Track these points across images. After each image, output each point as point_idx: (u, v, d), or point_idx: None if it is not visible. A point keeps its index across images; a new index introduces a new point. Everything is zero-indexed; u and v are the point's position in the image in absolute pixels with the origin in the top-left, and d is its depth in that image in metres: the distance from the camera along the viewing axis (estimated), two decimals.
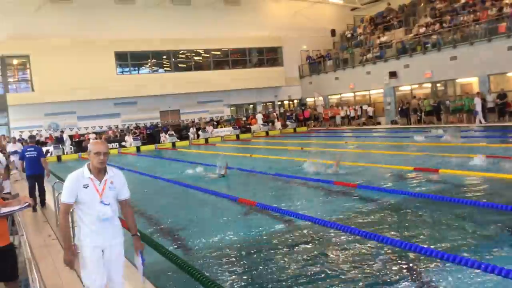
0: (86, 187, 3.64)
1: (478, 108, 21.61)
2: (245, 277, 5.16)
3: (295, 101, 37.14)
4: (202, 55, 33.41)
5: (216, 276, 5.18)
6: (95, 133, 28.94)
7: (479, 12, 23.74)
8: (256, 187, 10.52)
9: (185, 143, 28.79)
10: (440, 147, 15.20)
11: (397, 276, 4.75)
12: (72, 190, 3.63)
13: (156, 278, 4.97)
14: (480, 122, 21.64)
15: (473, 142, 15.79)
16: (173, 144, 28.15)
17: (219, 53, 33.75)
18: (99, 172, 3.71)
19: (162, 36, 30.49)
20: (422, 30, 26.94)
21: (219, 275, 5.25)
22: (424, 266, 4.96)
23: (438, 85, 26.17)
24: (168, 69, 32.29)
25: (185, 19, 31.71)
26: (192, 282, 4.78)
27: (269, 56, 35.28)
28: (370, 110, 29.67)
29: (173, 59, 32.00)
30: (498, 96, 21.62)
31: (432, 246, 5.31)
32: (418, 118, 25.81)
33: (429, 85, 26.46)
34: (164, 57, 32.03)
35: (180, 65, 32.57)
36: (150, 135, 29.76)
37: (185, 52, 32.54)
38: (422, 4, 30.66)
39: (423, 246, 5.24)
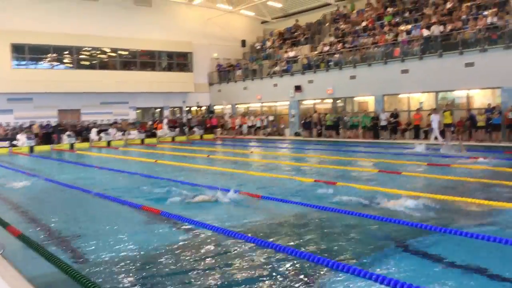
0: None
1: (435, 125, 20.75)
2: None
3: (203, 108, 37.11)
4: (108, 54, 32.10)
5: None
6: None
7: (378, 36, 25.65)
8: (162, 194, 10.29)
9: (85, 144, 27.39)
10: (339, 160, 16.09)
11: (296, 285, 4.92)
12: None
13: None
14: (436, 138, 20.64)
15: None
16: (71, 145, 26.63)
17: (126, 53, 32.67)
18: None
19: (65, 30, 28.89)
20: (326, 48, 28.44)
21: (117, 287, 5.05)
22: (318, 274, 5.19)
23: (338, 101, 27.77)
24: (69, 65, 30.52)
25: (91, 15, 30.31)
26: None
27: (179, 61, 34.89)
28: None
29: (76, 56, 30.35)
30: (391, 115, 23.44)
31: (325, 255, 5.59)
32: (319, 131, 27.11)
33: (331, 100, 27.97)
34: (66, 52, 30.22)
35: (83, 63, 30.97)
36: (46, 135, 27.81)
37: (90, 49, 31.04)
38: (327, 24, 32.39)
39: (318, 255, 5.49)
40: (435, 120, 20.78)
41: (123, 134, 29.42)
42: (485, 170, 12.55)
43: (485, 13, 21.27)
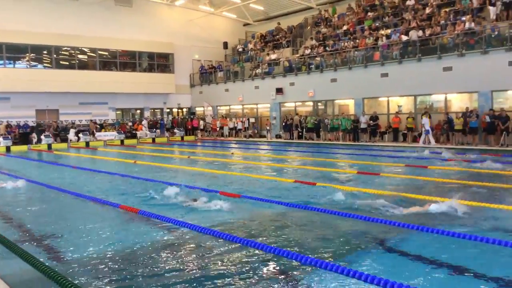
0: None
1: (427, 127, 20.80)
2: (121, 286, 4.96)
3: (185, 110, 36.95)
4: (88, 54, 31.72)
5: (91, 286, 4.90)
6: None
7: (358, 40, 25.92)
8: (139, 194, 10.19)
9: (63, 145, 26.98)
10: (320, 162, 16.18)
11: (275, 282, 4.92)
12: None
13: None
14: (429, 142, 20.71)
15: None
16: (49, 146, 26.19)
17: (106, 53, 32.33)
18: None
19: (44, 29, 28.45)
20: (307, 51, 28.62)
21: (94, 285, 4.97)
22: (299, 272, 5.21)
23: (319, 104, 27.94)
24: (48, 65, 30.06)
25: (71, 14, 29.92)
26: None
27: (160, 62, 34.68)
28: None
29: (55, 55, 29.91)
30: (371, 118, 23.67)
31: (305, 253, 5.60)
32: (300, 133, 27.23)
33: (311, 103, 28.12)
34: (45, 52, 29.79)
35: (62, 62, 30.53)
36: (23, 135, 27.35)
37: (69, 49, 30.62)
38: (308, 27, 32.60)
39: (299, 253, 5.51)
40: (426, 122, 20.78)
41: (92, 135, 28.77)
42: (461, 171, 12.77)
43: (463, 18, 21.67)
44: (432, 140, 20.83)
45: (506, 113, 19.02)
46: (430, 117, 21.37)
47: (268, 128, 29.30)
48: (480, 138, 19.94)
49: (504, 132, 18.89)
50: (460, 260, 5.51)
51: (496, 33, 20.06)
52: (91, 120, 30.77)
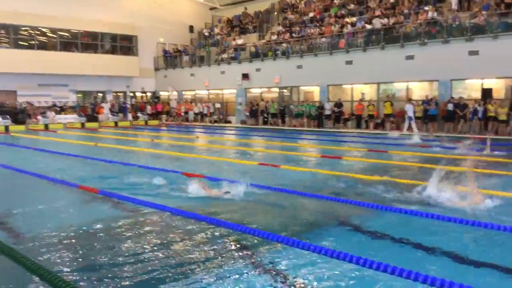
0: None
1: (410, 114, 20.54)
2: (83, 265, 4.83)
3: (149, 94, 36.31)
4: (48, 34, 30.56)
5: (51, 265, 4.76)
6: None
7: (324, 27, 26.07)
8: (100, 176, 9.97)
9: (21, 127, 26.07)
10: (284, 146, 16.28)
11: (239, 259, 4.91)
12: None
13: None
14: (410, 128, 20.51)
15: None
16: (6, 128, 25.25)
17: (67, 34, 31.25)
18: None
19: (1, 7, 27.17)
20: (274, 37, 28.58)
21: (54, 264, 4.83)
22: (263, 249, 5.22)
23: (285, 90, 28.03)
24: (6, 45, 28.81)
25: None
26: (22, 271, 4.33)
27: (123, 44, 33.79)
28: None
29: (13, 35, 28.69)
30: (335, 105, 23.95)
31: (271, 231, 5.62)
32: (265, 119, 27.28)
33: (277, 89, 28.18)
34: (2, 31, 28.53)
35: (20, 43, 29.31)
36: None
37: (28, 28, 29.41)
38: (275, 13, 32.53)
39: (263, 230, 5.53)
40: (410, 109, 20.55)
41: (30, 118, 27.64)
42: (418, 156, 13.13)
43: (426, 8, 22.12)
44: (415, 128, 20.42)
45: (465, 102, 19.65)
46: (392, 105, 21.83)
47: (247, 113, 28.53)
48: (439, 125, 20.52)
49: (462, 120, 19.52)
50: (420, 237, 5.67)
51: (457, 23, 20.59)
52: (28, 102, 29.09)
